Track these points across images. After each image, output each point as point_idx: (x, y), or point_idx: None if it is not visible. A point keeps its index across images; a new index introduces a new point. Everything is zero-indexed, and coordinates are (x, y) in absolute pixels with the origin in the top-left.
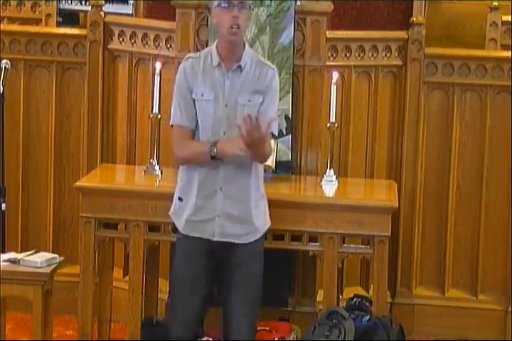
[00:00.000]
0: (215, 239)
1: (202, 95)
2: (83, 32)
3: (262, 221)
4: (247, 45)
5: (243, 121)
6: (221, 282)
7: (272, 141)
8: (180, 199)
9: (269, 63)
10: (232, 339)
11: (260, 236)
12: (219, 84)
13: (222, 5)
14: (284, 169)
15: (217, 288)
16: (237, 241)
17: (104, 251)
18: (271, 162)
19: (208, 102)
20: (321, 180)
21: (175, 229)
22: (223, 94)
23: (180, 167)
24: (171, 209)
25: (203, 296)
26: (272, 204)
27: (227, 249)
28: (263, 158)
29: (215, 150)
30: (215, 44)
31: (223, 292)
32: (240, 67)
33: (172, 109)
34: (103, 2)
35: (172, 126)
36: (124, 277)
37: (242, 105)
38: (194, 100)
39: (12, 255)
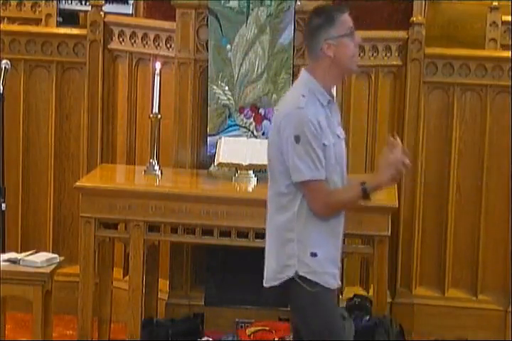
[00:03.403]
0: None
1: (331, 140)
2: (83, 32)
3: None
4: None
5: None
6: None
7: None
8: (314, 254)
9: None
10: None
11: None
12: (332, 123)
13: (351, 31)
14: None
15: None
16: None
17: (104, 251)
18: None
19: (334, 146)
20: None
21: (309, 284)
22: (336, 132)
23: (315, 218)
24: (303, 269)
25: None
26: None
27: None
28: None
29: (368, 190)
30: (311, 80)
31: None
32: (333, 98)
33: (302, 163)
34: (103, 2)
35: (304, 182)
36: (124, 277)
37: (342, 140)
38: (325, 147)
39: (12, 255)
